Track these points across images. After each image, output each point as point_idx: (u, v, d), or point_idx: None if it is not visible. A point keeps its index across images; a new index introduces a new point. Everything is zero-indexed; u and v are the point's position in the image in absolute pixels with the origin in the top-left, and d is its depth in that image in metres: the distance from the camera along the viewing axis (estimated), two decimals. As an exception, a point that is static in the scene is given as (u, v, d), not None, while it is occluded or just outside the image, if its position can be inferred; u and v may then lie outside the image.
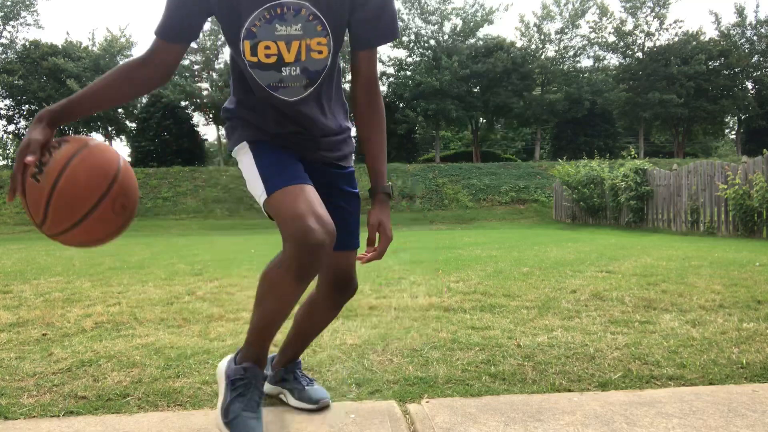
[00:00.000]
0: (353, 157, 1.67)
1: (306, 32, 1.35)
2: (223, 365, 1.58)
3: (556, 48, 32.89)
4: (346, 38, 1.47)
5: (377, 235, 1.48)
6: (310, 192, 1.36)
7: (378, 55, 1.52)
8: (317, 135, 1.51)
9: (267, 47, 1.35)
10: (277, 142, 1.49)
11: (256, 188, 1.41)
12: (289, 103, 1.43)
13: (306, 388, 1.68)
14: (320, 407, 1.64)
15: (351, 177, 1.63)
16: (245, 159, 1.47)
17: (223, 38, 33.63)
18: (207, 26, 33.98)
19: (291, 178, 1.38)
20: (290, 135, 1.50)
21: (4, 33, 32.76)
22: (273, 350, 1.94)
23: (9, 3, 32.17)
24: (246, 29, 1.33)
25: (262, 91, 1.42)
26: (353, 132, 1.69)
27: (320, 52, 1.39)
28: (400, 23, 32.41)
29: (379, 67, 42.66)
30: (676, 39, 32.50)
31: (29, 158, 1.22)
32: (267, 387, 1.77)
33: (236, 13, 1.33)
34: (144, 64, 1.40)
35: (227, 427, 1.40)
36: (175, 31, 1.38)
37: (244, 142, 1.48)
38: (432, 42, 31.98)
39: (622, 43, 32.81)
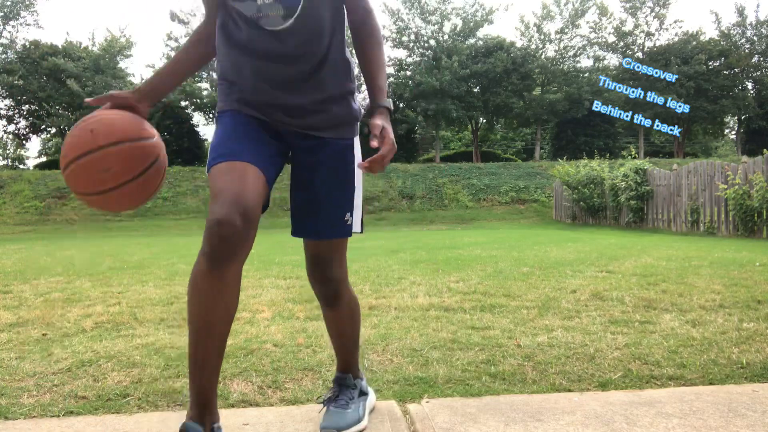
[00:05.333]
0: (356, 129, 1.56)
1: None
2: None
3: (556, 48, 32.87)
4: None
5: (379, 138, 1.31)
6: (242, 170, 1.31)
7: None
8: (287, 89, 1.43)
9: None
10: (247, 110, 1.44)
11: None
12: (273, 34, 1.37)
13: (331, 409, 1.55)
14: None
15: (345, 151, 1.51)
16: (214, 129, 1.50)
17: (223, 38, 33.63)
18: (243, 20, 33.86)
19: (231, 153, 1.35)
20: (265, 97, 1.44)
21: (4, 33, 32.74)
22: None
23: (9, 3, 32.15)
24: None
25: (248, 24, 1.38)
26: (357, 97, 1.58)
27: None
28: (400, 23, 32.38)
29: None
30: (676, 39, 32.48)
31: (87, 99, 1.43)
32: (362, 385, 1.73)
33: None
34: (207, 23, 1.50)
35: None
36: None
37: (218, 113, 1.49)
38: (432, 42, 31.95)
39: (622, 43, 32.79)
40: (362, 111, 1.58)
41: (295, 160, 1.52)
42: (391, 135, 1.32)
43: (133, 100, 1.41)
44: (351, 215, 1.51)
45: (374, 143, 1.28)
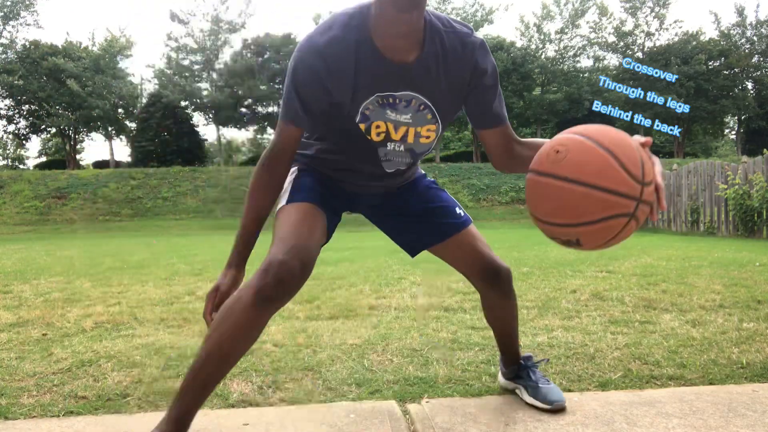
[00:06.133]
0: (419, 169, 1.70)
1: (415, 121, 1.41)
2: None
3: (556, 48, 32.91)
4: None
5: None
6: (309, 214, 1.40)
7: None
8: (372, 188, 1.59)
9: (377, 126, 1.41)
10: (323, 171, 1.55)
11: (279, 202, 1.47)
12: (385, 174, 1.51)
13: (540, 386, 1.67)
14: (554, 409, 1.60)
15: (415, 183, 1.67)
16: (287, 181, 1.50)
17: (223, 38, 33.66)
18: (207, 26, 33.98)
19: (305, 197, 1.43)
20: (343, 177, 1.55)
21: (4, 33, 32.76)
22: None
23: (9, 3, 32.16)
24: (361, 113, 1.39)
25: (370, 155, 1.47)
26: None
27: (428, 137, 1.47)
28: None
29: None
30: (676, 39, 32.51)
31: (208, 306, 1.40)
32: (503, 382, 1.82)
33: (349, 101, 1.37)
34: (276, 155, 1.39)
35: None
36: (302, 117, 1.36)
37: (295, 167, 1.53)
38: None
39: (622, 43, 32.81)
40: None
41: (379, 212, 1.69)
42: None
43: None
44: (460, 209, 1.67)
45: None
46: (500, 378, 1.84)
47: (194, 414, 1.29)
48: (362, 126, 1.40)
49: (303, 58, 1.31)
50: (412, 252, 1.71)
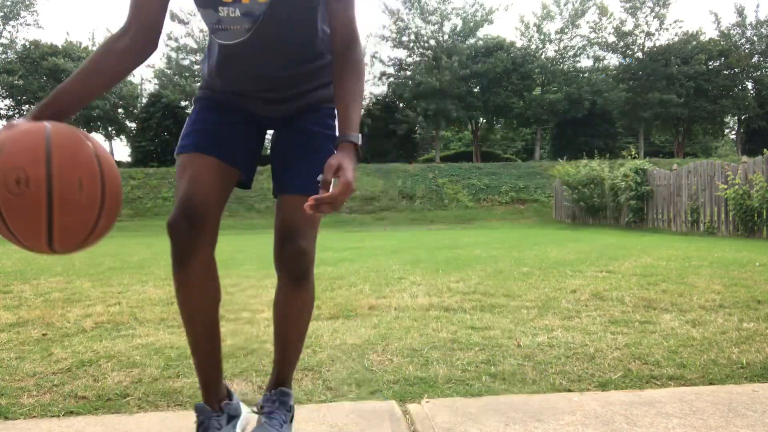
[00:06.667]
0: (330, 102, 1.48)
1: None
2: None
3: (556, 48, 32.89)
4: None
5: (333, 179, 1.17)
6: (189, 165, 1.36)
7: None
8: (266, 88, 1.40)
9: None
10: (224, 97, 1.43)
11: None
12: (229, 47, 1.31)
13: (265, 423, 1.41)
14: None
15: (323, 117, 1.46)
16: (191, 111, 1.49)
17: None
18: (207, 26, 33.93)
19: (195, 144, 1.38)
20: (238, 90, 1.41)
21: (4, 33, 32.76)
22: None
23: (9, 3, 32.16)
24: None
25: (211, 32, 1.34)
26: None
27: None
28: (400, 23, 32.34)
29: (380, 67, 42.54)
30: (676, 39, 32.49)
31: None
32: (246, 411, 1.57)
33: None
34: (125, 31, 1.27)
35: None
36: None
37: (196, 98, 1.49)
38: (432, 42, 31.97)
39: (622, 43, 32.80)
40: None
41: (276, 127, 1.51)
42: (350, 174, 1.16)
43: None
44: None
45: (327, 177, 1.15)
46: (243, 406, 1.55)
47: (212, 374, 1.42)
48: None
49: None
50: (274, 191, 1.46)
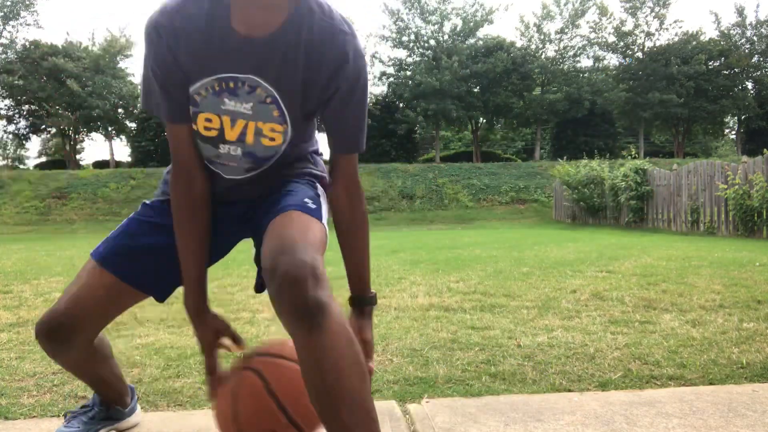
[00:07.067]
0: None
1: (257, 114, 1.15)
2: None
3: (556, 48, 32.87)
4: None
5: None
6: (87, 283, 1.26)
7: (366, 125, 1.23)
8: (245, 197, 1.32)
9: (208, 119, 1.16)
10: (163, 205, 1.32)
11: None
12: (224, 180, 1.25)
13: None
14: None
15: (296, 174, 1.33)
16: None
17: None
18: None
19: (102, 255, 1.27)
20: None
21: (4, 33, 32.73)
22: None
23: (9, 3, 32.14)
24: (191, 97, 1.14)
25: (207, 161, 1.24)
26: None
27: (272, 140, 1.19)
28: (400, 23, 32.29)
29: (380, 67, 42.46)
30: (676, 39, 32.48)
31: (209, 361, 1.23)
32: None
33: (184, 75, 1.13)
34: (175, 168, 1.20)
35: None
36: (182, 110, 1.17)
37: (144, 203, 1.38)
38: (432, 42, 31.96)
39: (622, 43, 32.79)
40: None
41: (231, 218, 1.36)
42: (370, 344, 1.24)
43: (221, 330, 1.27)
44: (312, 201, 1.21)
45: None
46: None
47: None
48: (188, 111, 1.16)
49: (153, 23, 1.10)
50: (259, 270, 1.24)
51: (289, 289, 0.96)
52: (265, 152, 1.21)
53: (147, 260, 1.29)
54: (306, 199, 1.19)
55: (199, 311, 1.24)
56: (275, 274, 0.97)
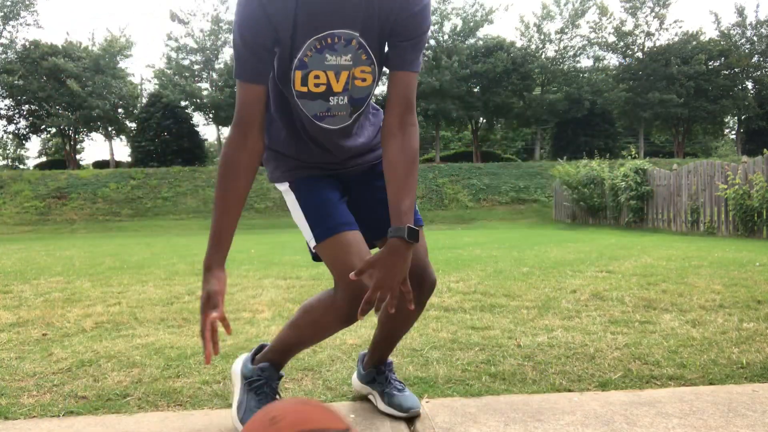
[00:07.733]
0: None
1: (355, 63, 1.31)
2: (238, 365, 1.62)
3: (556, 48, 32.89)
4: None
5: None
6: (357, 240, 1.39)
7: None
8: (344, 157, 1.48)
9: (317, 77, 1.30)
10: (311, 172, 1.48)
11: (305, 232, 1.45)
12: (330, 131, 1.40)
13: (396, 393, 1.61)
14: (410, 416, 1.56)
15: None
16: (289, 199, 1.49)
17: (222, 38, 33.66)
18: (207, 26, 33.97)
19: (337, 224, 1.40)
20: (319, 161, 1.48)
21: (4, 33, 32.74)
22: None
23: (9, 3, 32.14)
24: (299, 59, 1.28)
25: (306, 121, 1.38)
26: None
27: (364, 80, 1.35)
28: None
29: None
30: (676, 39, 32.49)
31: (214, 314, 1.21)
32: (357, 385, 1.74)
33: (290, 42, 1.27)
34: (244, 125, 1.30)
35: (242, 424, 1.47)
36: (260, 71, 1.28)
37: (285, 183, 1.49)
38: (432, 42, 31.96)
39: (622, 43, 32.80)
40: None
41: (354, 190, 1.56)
42: (395, 282, 1.25)
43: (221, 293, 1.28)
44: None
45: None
46: (355, 379, 1.76)
47: (288, 360, 1.59)
48: (299, 74, 1.29)
49: (244, 4, 1.22)
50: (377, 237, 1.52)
51: (430, 290, 1.50)
52: (360, 93, 1.37)
53: (340, 209, 1.45)
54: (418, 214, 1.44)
55: (218, 265, 1.31)
56: (423, 291, 1.49)
